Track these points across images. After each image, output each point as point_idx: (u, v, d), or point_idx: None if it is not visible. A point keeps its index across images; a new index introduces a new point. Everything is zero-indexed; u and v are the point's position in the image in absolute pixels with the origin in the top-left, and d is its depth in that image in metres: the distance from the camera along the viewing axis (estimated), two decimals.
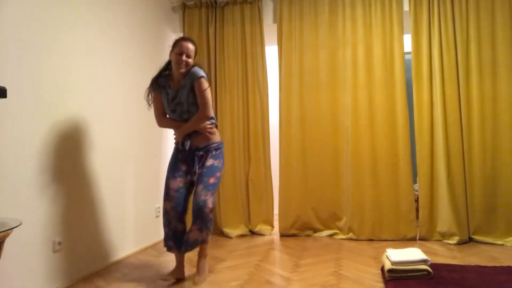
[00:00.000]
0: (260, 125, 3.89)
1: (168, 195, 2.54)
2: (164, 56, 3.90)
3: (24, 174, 2.21)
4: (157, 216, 3.66)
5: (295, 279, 2.51)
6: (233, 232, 3.81)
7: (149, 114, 3.61)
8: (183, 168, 2.61)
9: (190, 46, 2.56)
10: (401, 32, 3.60)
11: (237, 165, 3.89)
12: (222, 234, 3.84)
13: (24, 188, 2.21)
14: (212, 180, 2.51)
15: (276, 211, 3.92)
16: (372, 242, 3.46)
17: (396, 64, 3.59)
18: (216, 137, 2.65)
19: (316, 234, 3.75)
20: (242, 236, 3.81)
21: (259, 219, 3.88)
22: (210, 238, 2.63)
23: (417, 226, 3.52)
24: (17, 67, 2.17)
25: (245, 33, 3.92)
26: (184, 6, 4.02)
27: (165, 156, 3.81)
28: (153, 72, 3.51)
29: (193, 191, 2.56)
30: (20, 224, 1.69)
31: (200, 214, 2.43)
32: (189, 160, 2.60)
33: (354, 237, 3.57)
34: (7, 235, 1.64)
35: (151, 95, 2.68)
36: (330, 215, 3.74)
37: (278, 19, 3.87)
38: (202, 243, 2.54)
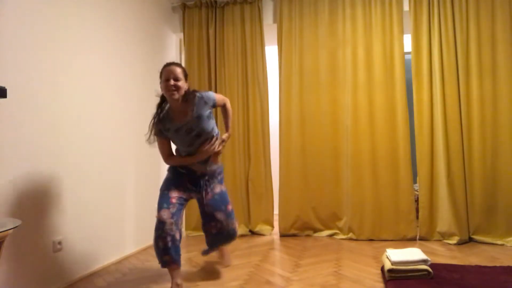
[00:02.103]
0: (260, 125, 3.89)
1: (167, 202, 2.30)
2: (164, 56, 3.91)
3: (24, 174, 2.21)
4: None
5: (295, 279, 2.51)
6: None
7: (149, 115, 3.62)
8: (187, 184, 2.45)
9: (175, 69, 2.29)
10: (401, 32, 3.60)
11: (237, 165, 3.89)
12: None
13: (25, 188, 2.21)
14: (230, 207, 2.56)
15: (276, 211, 3.92)
16: (372, 242, 3.47)
17: (396, 64, 3.59)
18: (219, 159, 2.59)
19: (316, 234, 3.75)
20: (242, 236, 3.81)
21: (259, 219, 3.88)
22: None
23: (417, 226, 3.52)
24: (17, 67, 2.17)
25: (245, 33, 3.92)
26: (184, 6, 4.02)
27: None
28: (153, 72, 3.50)
29: (209, 216, 2.50)
30: (20, 224, 1.69)
31: (230, 240, 2.64)
32: (194, 182, 2.47)
33: (354, 237, 3.58)
34: (6, 235, 1.64)
35: (153, 138, 2.41)
36: (330, 215, 3.74)
37: (278, 19, 3.87)
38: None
